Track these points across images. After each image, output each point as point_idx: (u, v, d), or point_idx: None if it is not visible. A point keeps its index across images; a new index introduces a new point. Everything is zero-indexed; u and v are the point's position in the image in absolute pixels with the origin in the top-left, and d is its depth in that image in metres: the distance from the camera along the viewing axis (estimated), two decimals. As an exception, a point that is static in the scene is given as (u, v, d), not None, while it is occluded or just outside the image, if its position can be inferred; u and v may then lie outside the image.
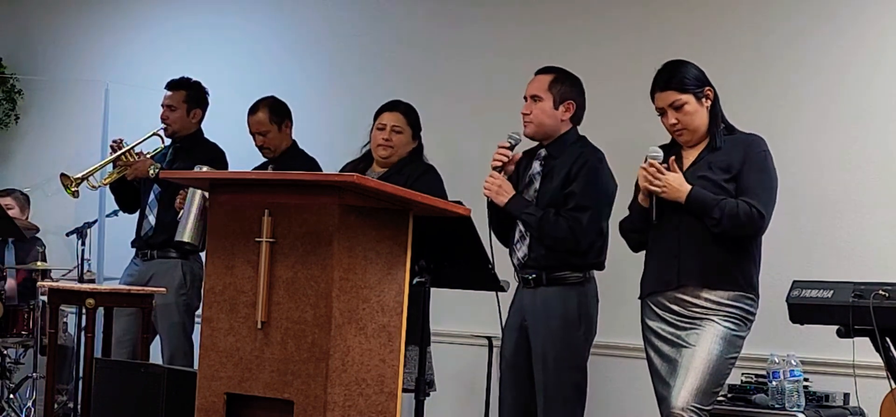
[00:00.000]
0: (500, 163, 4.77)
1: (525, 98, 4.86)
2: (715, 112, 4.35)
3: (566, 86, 4.84)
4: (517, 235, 4.82)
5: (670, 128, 4.38)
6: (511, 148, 4.80)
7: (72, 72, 8.05)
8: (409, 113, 5.33)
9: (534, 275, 4.76)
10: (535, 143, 4.91)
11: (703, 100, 4.34)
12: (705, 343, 4.22)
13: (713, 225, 4.22)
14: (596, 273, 4.84)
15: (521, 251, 4.79)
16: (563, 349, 4.71)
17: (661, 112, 4.38)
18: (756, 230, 4.28)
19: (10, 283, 7.27)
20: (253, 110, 6.06)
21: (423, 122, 5.39)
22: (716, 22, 5.77)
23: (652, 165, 4.28)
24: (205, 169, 5.92)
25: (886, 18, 5.37)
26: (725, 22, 5.75)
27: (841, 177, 5.41)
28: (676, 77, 4.34)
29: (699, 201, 4.23)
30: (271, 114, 6.00)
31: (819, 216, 5.43)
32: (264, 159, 6.07)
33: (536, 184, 4.81)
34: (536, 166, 4.84)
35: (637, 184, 4.39)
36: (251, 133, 6.05)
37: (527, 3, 6.37)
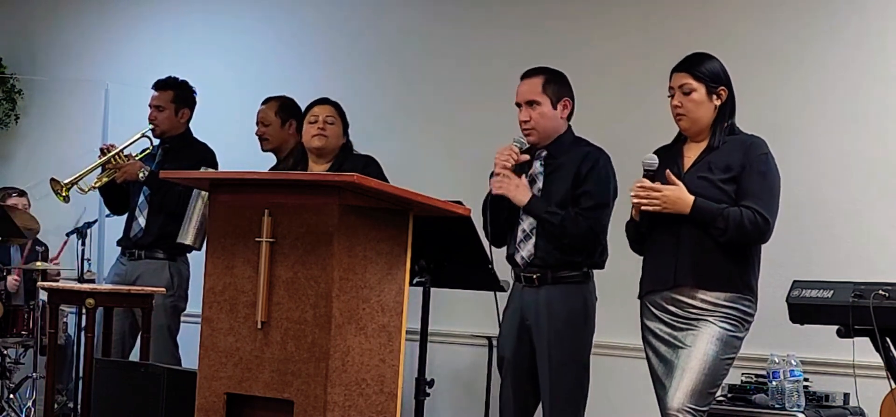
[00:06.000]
0: (510, 164, 4.71)
1: (518, 105, 4.82)
2: (723, 112, 4.34)
3: (559, 85, 4.81)
4: (520, 235, 4.80)
5: (672, 110, 4.36)
6: (520, 151, 4.75)
7: (72, 72, 8.05)
8: (338, 107, 5.48)
9: (538, 274, 4.75)
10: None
11: (714, 96, 4.32)
12: (701, 344, 4.21)
13: (718, 236, 4.20)
14: (597, 272, 4.84)
15: (526, 249, 4.76)
16: (568, 347, 4.70)
17: (672, 93, 4.37)
18: (761, 236, 4.25)
19: (12, 280, 7.28)
20: (264, 101, 6.11)
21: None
22: (715, 21, 5.77)
23: (644, 187, 4.26)
24: (209, 170, 5.91)
25: (886, 18, 5.37)
26: (725, 22, 5.75)
27: (841, 178, 5.41)
28: (695, 64, 4.34)
29: (703, 213, 4.21)
30: (279, 109, 6.02)
31: (819, 216, 5.43)
32: (274, 160, 6.04)
33: (539, 184, 4.78)
34: (537, 166, 4.82)
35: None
36: (256, 122, 6.09)
37: (528, 3, 6.37)
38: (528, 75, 4.84)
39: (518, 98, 4.81)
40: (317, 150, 5.38)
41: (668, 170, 4.26)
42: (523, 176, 4.78)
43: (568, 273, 4.73)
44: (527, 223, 4.76)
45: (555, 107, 4.78)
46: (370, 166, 5.32)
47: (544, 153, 4.82)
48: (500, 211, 4.77)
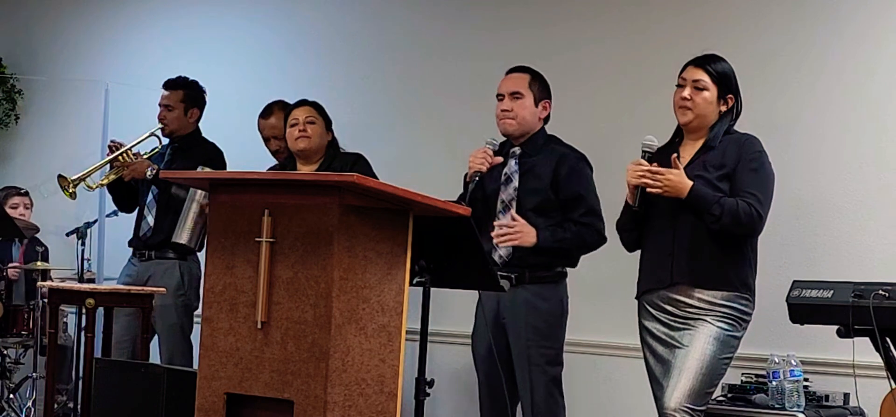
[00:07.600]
0: (484, 168, 4.77)
1: (500, 96, 4.87)
2: (724, 118, 4.36)
3: (542, 87, 4.92)
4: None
5: (679, 101, 4.36)
6: (493, 153, 4.82)
7: (72, 72, 8.05)
8: (318, 106, 5.53)
9: (516, 274, 4.77)
10: (502, 140, 4.93)
11: (722, 102, 4.35)
12: (698, 343, 4.22)
13: (712, 222, 4.22)
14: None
15: (504, 249, 4.80)
16: (547, 345, 4.76)
17: (681, 85, 4.37)
18: (754, 229, 4.28)
19: (12, 271, 7.29)
20: (265, 114, 6.05)
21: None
22: (714, 22, 5.77)
23: (650, 169, 4.27)
24: (206, 169, 5.92)
25: (886, 18, 5.37)
26: (724, 22, 5.75)
27: (841, 178, 5.41)
28: (712, 63, 4.37)
29: (700, 197, 4.24)
30: (285, 119, 5.97)
31: (819, 216, 5.42)
32: (275, 161, 6.02)
33: (515, 183, 4.83)
34: (512, 164, 4.87)
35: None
36: (264, 137, 6.04)
37: (526, 4, 6.37)
38: (514, 70, 4.95)
39: (501, 89, 4.90)
40: (301, 152, 5.42)
41: (673, 156, 4.28)
42: (495, 172, 4.82)
43: (545, 272, 4.76)
44: (504, 221, 4.79)
45: (536, 105, 4.86)
46: (359, 163, 5.37)
47: (518, 152, 4.87)
48: (474, 204, 4.79)
